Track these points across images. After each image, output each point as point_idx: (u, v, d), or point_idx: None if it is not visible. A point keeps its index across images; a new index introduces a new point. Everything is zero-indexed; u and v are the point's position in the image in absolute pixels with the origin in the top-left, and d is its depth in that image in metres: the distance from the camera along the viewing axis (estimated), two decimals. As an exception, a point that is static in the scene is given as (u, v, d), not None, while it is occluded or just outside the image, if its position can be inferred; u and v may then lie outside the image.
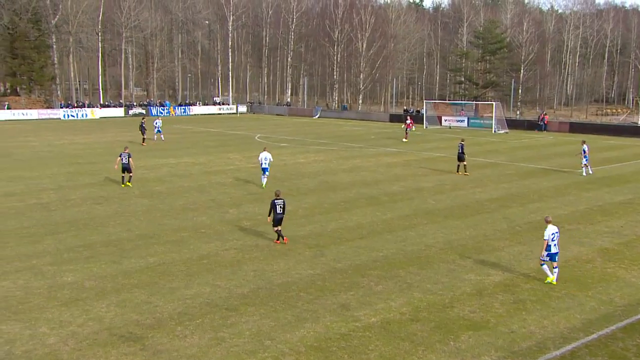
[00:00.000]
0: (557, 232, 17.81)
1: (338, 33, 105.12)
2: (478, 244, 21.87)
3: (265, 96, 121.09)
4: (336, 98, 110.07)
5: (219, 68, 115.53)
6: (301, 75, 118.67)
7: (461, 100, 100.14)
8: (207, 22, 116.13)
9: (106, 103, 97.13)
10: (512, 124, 71.97)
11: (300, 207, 27.57)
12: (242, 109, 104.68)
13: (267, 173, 32.47)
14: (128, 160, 31.87)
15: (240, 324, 14.75)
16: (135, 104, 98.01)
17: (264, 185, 32.28)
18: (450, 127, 73.93)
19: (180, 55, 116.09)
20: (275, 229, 21.42)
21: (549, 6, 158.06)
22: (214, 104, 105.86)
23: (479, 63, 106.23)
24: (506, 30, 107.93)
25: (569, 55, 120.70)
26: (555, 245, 17.74)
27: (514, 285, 17.68)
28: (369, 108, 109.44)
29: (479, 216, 26.09)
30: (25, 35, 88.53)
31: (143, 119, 54.69)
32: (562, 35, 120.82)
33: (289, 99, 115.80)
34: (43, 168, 38.30)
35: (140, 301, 16.10)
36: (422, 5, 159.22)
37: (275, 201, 21.12)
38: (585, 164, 36.66)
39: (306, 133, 64.71)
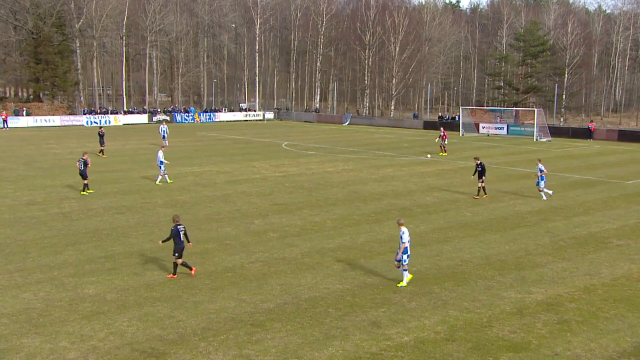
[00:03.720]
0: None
1: (370, 36, 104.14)
2: (518, 260, 21.09)
3: (293, 102, 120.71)
4: (367, 104, 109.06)
5: (246, 73, 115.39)
6: (330, 80, 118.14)
7: (500, 107, 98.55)
8: (233, 25, 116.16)
9: (130, 109, 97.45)
10: (556, 132, 70.17)
11: (329, 218, 27.09)
12: (269, 115, 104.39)
13: (162, 170, 35.40)
14: (84, 167, 31.93)
15: (266, 340, 14.42)
16: (159, 110, 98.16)
17: (169, 181, 35.52)
18: (488, 135, 72.61)
19: (205, 60, 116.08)
20: (180, 261, 18.78)
21: (595, 6, 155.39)
22: (240, 110, 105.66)
23: (520, 67, 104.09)
24: (549, 32, 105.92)
25: (618, 59, 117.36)
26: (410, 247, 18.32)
27: (558, 304, 16.94)
28: (401, 114, 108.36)
29: (519, 230, 25.27)
30: (49, 39, 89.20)
31: (101, 127, 52.15)
32: (610, 37, 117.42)
33: (317, 105, 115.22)
34: (65, 176, 38.16)
35: (163, 315, 15.88)
36: (459, 6, 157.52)
37: (179, 227, 18.66)
38: (541, 187, 31.70)
39: (335, 141, 64.12)
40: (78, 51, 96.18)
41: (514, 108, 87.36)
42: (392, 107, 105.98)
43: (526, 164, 45.16)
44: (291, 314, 16.01)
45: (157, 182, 35.28)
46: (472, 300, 17.11)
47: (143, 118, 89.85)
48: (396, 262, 18.31)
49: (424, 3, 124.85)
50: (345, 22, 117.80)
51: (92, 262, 20.26)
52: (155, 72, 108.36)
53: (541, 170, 31.49)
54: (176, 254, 18.64)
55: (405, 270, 18.16)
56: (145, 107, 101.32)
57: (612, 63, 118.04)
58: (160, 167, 35.35)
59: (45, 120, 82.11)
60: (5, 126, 77.39)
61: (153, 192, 32.85)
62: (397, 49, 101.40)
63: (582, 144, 62.57)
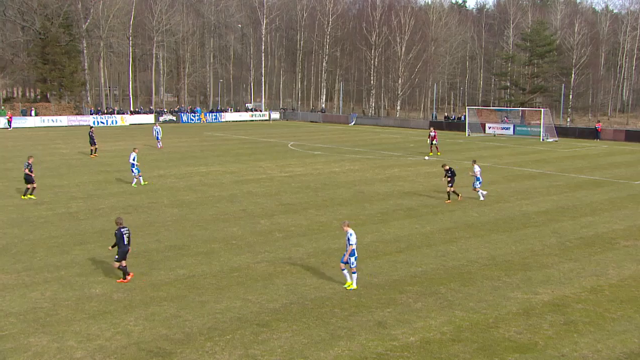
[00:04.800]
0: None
1: (375, 36, 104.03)
2: (525, 260, 20.96)
3: (299, 102, 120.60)
4: (373, 104, 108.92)
5: (252, 73, 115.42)
6: (336, 81, 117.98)
7: (507, 107, 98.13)
8: (239, 25, 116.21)
9: (136, 109, 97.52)
10: (562, 132, 69.93)
11: (335, 218, 26.97)
12: (275, 115, 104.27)
13: (135, 173, 34.59)
14: (30, 171, 31.19)
15: (272, 340, 14.41)
16: (165, 110, 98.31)
17: (134, 184, 34.54)
18: (495, 135, 72.35)
19: (212, 60, 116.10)
20: (120, 264, 18.35)
21: (603, 6, 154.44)
22: (246, 110, 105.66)
23: (526, 67, 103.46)
24: (556, 32, 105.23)
25: (625, 58, 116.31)
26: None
27: (565, 305, 16.82)
28: (407, 114, 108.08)
29: (525, 230, 25.12)
30: (57, 40, 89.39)
31: (91, 128, 51.36)
32: (617, 37, 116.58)
33: (323, 105, 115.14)
34: (72, 176, 38.27)
35: (169, 315, 15.90)
36: (465, 6, 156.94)
37: (122, 230, 18.27)
38: (476, 188, 31.09)
39: (341, 141, 64.01)
40: (85, 51, 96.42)
41: (521, 108, 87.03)
42: (398, 107, 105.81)
43: (533, 165, 44.99)
44: (297, 314, 15.97)
45: (136, 185, 34.60)
46: (478, 300, 17.02)
47: (149, 118, 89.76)
48: (342, 265, 17.88)
49: (430, 3, 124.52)
50: (351, 22, 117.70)
51: (99, 262, 20.21)
52: (161, 72, 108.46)
53: (475, 172, 30.94)
54: (117, 257, 18.24)
55: (354, 272, 17.86)
56: (151, 107, 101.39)
57: (619, 63, 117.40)
58: (132, 169, 34.56)
59: (53, 121, 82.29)
60: (10, 127, 77.56)
61: (159, 192, 32.87)
62: (403, 49, 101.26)
63: (589, 144, 62.32)
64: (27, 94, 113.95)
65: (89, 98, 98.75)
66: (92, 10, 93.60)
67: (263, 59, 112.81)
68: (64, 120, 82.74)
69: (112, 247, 18.63)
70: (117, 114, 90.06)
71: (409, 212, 28.39)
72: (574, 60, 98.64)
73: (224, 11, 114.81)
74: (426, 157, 48.16)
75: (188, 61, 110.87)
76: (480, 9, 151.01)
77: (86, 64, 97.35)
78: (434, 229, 25.25)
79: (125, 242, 18.26)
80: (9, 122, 77.82)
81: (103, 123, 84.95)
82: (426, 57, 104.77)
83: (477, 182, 31.03)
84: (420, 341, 14.36)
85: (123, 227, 18.37)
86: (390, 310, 16.27)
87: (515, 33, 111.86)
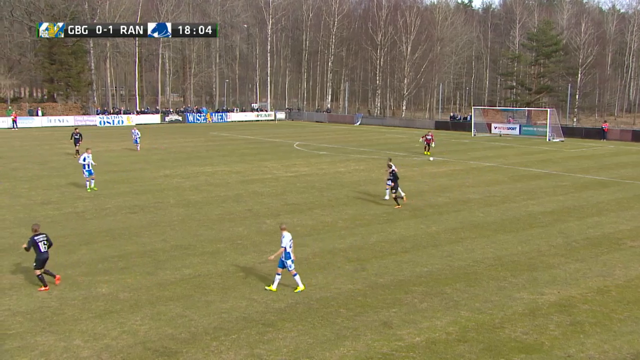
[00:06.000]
0: (291, 239, 17.69)
1: (381, 36, 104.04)
2: (531, 260, 20.90)
3: (305, 102, 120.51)
4: (378, 104, 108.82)
5: (257, 73, 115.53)
6: (342, 81, 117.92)
7: (513, 107, 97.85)
8: (245, 25, 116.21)
9: (142, 109, 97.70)
10: (569, 132, 69.78)
11: (341, 218, 27.01)
12: (281, 115, 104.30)
13: (86, 175, 32.73)
14: None
15: (278, 340, 14.40)
16: (171, 110, 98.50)
17: (88, 189, 32.83)
18: (500, 135, 72.21)
19: (217, 60, 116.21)
20: (39, 272, 17.69)
21: (609, 5, 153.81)
22: (252, 110, 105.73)
23: (532, 67, 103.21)
24: (562, 32, 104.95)
25: (632, 58, 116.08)
26: (292, 251, 17.66)
27: (571, 305, 16.75)
28: (413, 114, 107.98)
29: (532, 230, 25.05)
30: (63, 40, 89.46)
31: (76, 129, 50.33)
32: (624, 36, 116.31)
33: (329, 105, 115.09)
34: (78, 176, 38.01)
35: (175, 314, 15.90)
36: (471, 6, 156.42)
37: (36, 237, 17.72)
38: (390, 185, 30.05)
39: (347, 141, 64.01)
40: (92, 52, 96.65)
41: (527, 108, 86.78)
42: (404, 107, 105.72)
43: (539, 165, 44.88)
44: (302, 313, 15.96)
45: (90, 189, 32.86)
46: (484, 301, 16.98)
47: (155, 118, 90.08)
48: (278, 269, 17.62)
49: (435, 3, 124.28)
50: (357, 22, 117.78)
51: (105, 261, 20.26)
52: (167, 72, 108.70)
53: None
54: (34, 264, 17.77)
55: (295, 275, 17.58)
56: (157, 107, 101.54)
57: (626, 63, 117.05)
58: (84, 171, 32.70)
59: (59, 120, 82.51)
60: (15, 126, 77.75)
61: (165, 191, 32.93)
62: (409, 49, 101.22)
63: (595, 145, 62.13)
64: (34, 94, 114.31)
65: (95, 98, 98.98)
66: (98, 11, 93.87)
67: (269, 59, 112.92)
68: (70, 120, 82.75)
69: (25, 249, 18.02)
70: (124, 114, 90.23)
71: (415, 212, 28.36)
72: (580, 60, 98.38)
73: (230, 11, 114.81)
74: (431, 158, 48.06)
75: (194, 61, 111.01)
76: (486, 8, 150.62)
77: (93, 64, 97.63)
78: (439, 229, 25.21)
79: (42, 250, 17.73)
80: (14, 121, 78.07)
81: (109, 123, 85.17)
82: (432, 57, 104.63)
83: (389, 181, 30.10)
84: (426, 341, 14.34)
85: (38, 235, 17.86)
86: (396, 310, 16.25)
87: (522, 33, 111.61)
